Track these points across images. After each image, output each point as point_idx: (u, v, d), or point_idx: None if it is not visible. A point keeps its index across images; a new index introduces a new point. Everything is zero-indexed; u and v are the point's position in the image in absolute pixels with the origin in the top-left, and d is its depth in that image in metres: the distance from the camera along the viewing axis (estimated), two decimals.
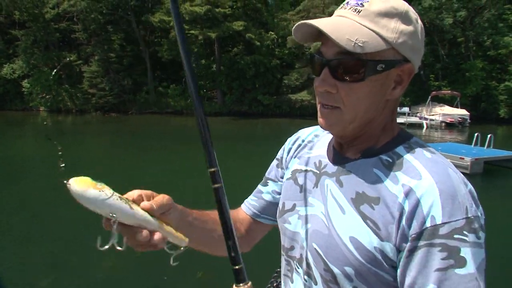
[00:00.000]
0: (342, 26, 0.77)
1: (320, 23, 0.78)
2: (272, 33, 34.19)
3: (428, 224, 0.72)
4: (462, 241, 0.71)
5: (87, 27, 36.15)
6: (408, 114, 28.78)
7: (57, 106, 36.39)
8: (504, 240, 6.30)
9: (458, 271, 0.70)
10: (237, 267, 0.83)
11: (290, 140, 1.17)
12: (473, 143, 13.10)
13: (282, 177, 1.14)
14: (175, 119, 30.11)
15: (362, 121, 0.84)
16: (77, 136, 20.63)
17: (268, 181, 1.18)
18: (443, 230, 0.71)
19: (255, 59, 32.83)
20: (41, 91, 36.12)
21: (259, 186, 1.21)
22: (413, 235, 0.74)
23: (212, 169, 0.84)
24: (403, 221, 0.75)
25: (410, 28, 0.80)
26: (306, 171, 1.02)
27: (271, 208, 1.16)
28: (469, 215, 0.72)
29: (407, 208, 0.75)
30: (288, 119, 30.08)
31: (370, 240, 0.79)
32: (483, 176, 10.43)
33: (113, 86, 35.27)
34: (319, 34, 0.81)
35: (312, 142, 1.09)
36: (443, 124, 27.68)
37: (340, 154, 0.93)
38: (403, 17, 0.80)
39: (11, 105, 37.50)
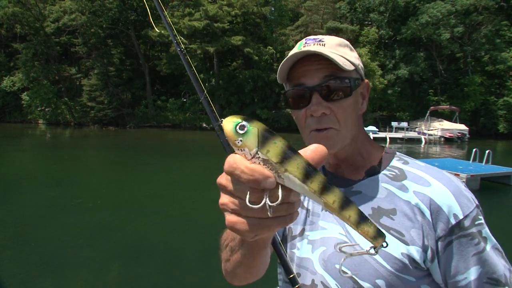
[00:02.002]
0: (327, 53, 0.88)
1: (313, 49, 0.88)
2: (271, 47, 34.44)
3: (453, 221, 0.84)
4: (480, 224, 0.85)
5: (87, 41, 36.50)
6: (407, 129, 28.84)
7: (55, 119, 36.50)
8: None
9: (487, 247, 0.84)
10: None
11: None
12: (471, 159, 13.04)
13: None
14: (173, 133, 30.08)
15: (351, 136, 0.94)
16: (75, 149, 20.56)
17: None
18: (466, 223, 0.84)
19: (253, 73, 33.01)
20: (40, 104, 36.26)
21: None
22: (442, 235, 0.84)
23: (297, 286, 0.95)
24: (427, 225, 0.85)
25: (357, 54, 0.99)
26: None
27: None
28: (476, 202, 0.87)
29: (428, 213, 0.85)
30: (286, 134, 30.08)
31: (397, 248, 0.85)
32: (479, 192, 10.31)
33: (112, 100, 35.41)
34: (291, 70, 0.93)
35: None
36: (442, 139, 27.68)
37: (340, 177, 1.00)
38: (350, 47, 0.98)
39: (10, 118, 37.64)
